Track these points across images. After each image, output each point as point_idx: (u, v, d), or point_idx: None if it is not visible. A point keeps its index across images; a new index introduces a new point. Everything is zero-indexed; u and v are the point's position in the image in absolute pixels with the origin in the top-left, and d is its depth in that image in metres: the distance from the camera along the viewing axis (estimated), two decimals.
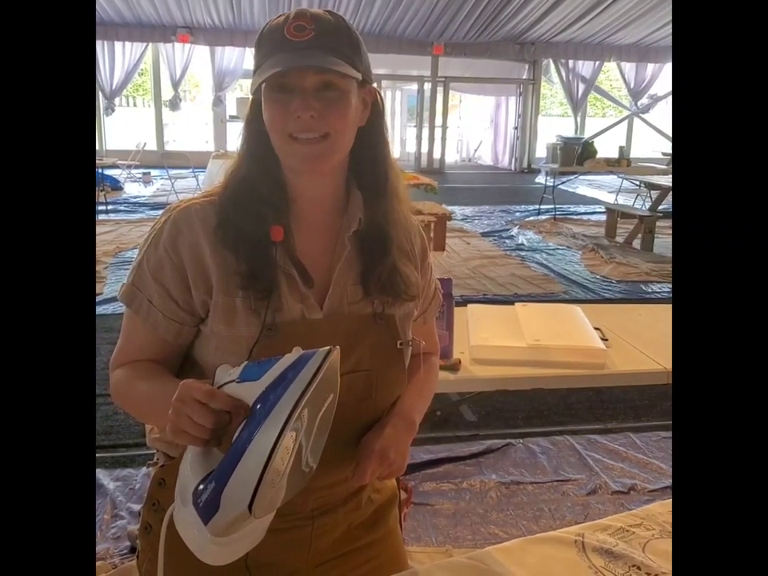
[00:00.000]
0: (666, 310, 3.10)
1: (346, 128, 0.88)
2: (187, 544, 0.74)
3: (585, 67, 12.96)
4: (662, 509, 1.12)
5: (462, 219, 8.24)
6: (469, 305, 2.27)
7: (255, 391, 0.73)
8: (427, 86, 13.26)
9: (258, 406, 0.71)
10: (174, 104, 12.10)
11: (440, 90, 13.20)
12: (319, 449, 0.78)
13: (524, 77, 13.28)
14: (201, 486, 0.73)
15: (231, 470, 0.70)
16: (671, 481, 2.53)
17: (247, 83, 14.96)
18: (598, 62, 12.90)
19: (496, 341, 1.93)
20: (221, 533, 0.72)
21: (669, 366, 1.88)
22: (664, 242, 6.83)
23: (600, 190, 11.26)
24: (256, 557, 0.84)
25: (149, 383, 0.89)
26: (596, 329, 2.04)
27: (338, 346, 0.74)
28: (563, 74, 12.93)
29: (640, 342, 2.05)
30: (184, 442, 0.75)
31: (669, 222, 7.25)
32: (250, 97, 0.93)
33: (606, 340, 2.00)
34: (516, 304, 2.28)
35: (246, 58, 11.76)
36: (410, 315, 0.98)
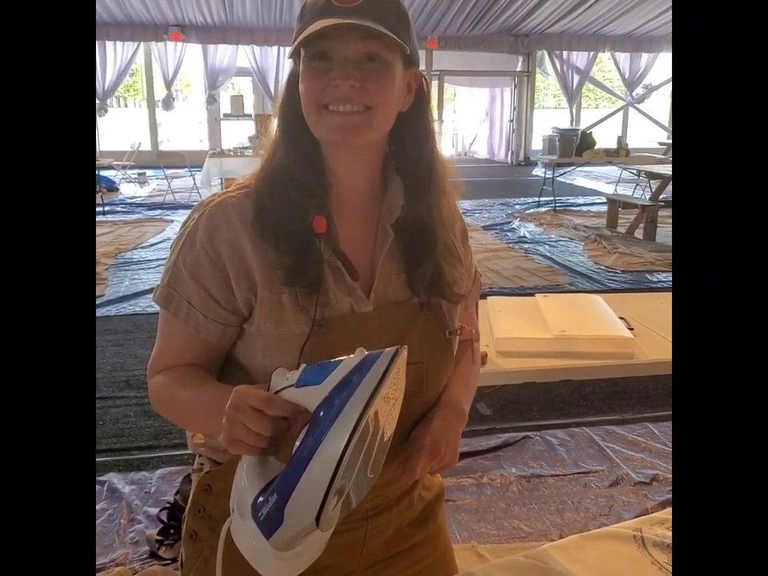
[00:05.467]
0: None
1: (388, 104, 0.83)
2: (247, 558, 0.70)
3: (579, 58, 12.92)
4: None
5: (463, 213, 8.10)
6: (489, 297, 2.23)
7: (317, 396, 0.68)
8: None
9: (322, 413, 0.66)
10: (168, 103, 12.01)
11: (435, 83, 13.14)
12: (383, 454, 0.74)
13: (518, 69, 13.24)
14: (261, 499, 0.69)
15: (296, 481, 0.65)
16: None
17: (240, 81, 14.88)
18: (592, 53, 12.87)
19: (521, 332, 1.89)
20: (284, 547, 0.68)
21: None
22: (666, 231, 6.80)
23: (598, 181, 11.24)
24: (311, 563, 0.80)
25: (194, 390, 0.84)
26: (620, 318, 2.01)
27: (405, 346, 0.69)
28: (558, 65, 12.89)
29: (665, 330, 2.01)
30: (240, 451, 0.71)
31: (668, 212, 7.23)
32: (284, 79, 0.88)
33: (632, 329, 1.97)
34: (537, 295, 2.24)
35: (238, 55, 11.68)
36: (457, 303, 0.95)
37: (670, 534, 0.99)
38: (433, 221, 0.91)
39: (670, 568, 0.92)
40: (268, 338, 0.84)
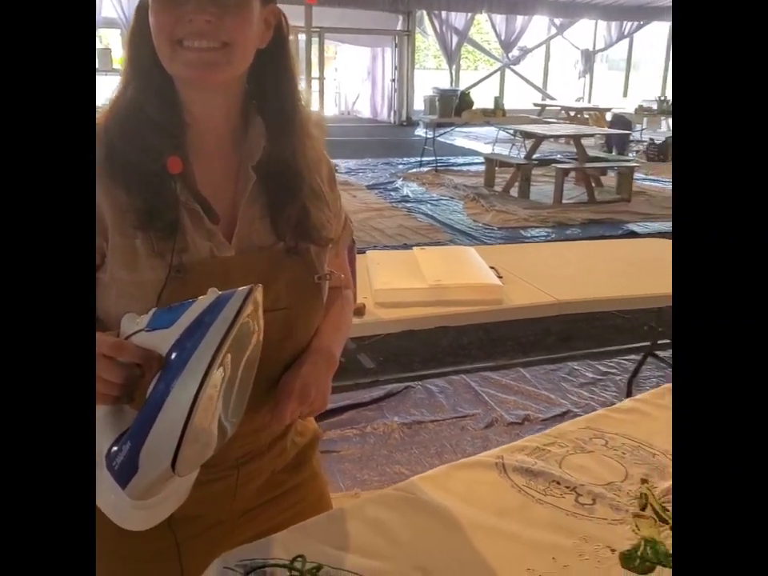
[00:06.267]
0: (552, 247, 3.26)
1: (247, 40, 0.80)
2: (105, 512, 0.68)
3: (458, 19, 13.08)
4: (573, 427, 1.17)
5: (347, 172, 8.18)
6: (368, 251, 2.26)
7: (168, 339, 0.66)
8: (301, 36, 12.90)
9: (174, 356, 0.65)
10: None
11: (315, 41, 12.88)
12: (244, 397, 0.74)
13: (398, 28, 13.22)
14: (114, 448, 0.67)
15: (149, 426, 0.64)
16: (561, 410, 2.70)
17: (106, 33, 13.93)
18: (470, 14, 13.05)
19: (398, 284, 1.93)
20: (141, 495, 0.67)
21: (558, 297, 1.97)
22: (539, 189, 7.12)
23: (477, 141, 11.52)
24: (179, 513, 0.79)
25: None
26: (491, 267, 2.10)
27: (260, 285, 0.69)
28: (437, 25, 12.99)
29: (531, 277, 2.13)
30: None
31: (543, 170, 7.56)
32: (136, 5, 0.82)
33: (501, 277, 2.06)
34: (414, 248, 2.30)
35: (104, 4, 10.90)
36: (325, 247, 0.95)
37: (528, 459, 1.07)
38: (297, 162, 0.89)
39: (528, 490, 0.99)
40: (121, 286, 0.80)
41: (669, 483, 1.00)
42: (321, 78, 13.35)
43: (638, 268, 2.31)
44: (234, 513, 0.95)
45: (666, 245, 2.75)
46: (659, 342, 2.82)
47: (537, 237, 5.58)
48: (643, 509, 0.95)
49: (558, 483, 1.00)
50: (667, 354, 3.06)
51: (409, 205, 6.62)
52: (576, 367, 3.15)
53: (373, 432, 2.56)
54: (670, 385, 1.33)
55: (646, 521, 0.92)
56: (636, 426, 1.15)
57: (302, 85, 0.92)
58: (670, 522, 0.92)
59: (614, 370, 3.10)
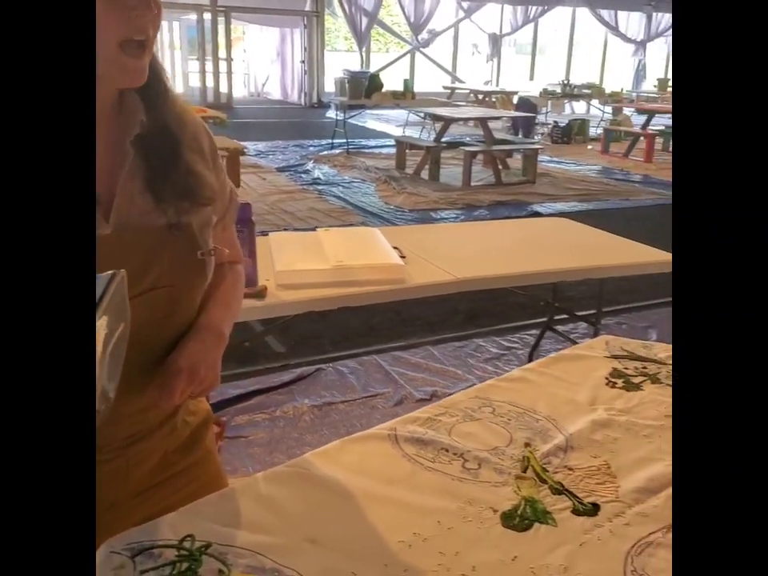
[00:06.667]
0: (455, 228, 3.33)
1: None
2: None
3: (367, 0, 13.04)
4: (464, 397, 1.21)
5: (256, 155, 8.06)
6: (271, 233, 2.25)
7: None
8: (207, 15, 12.53)
9: None
10: None
11: (221, 20, 12.56)
12: (114, 381, 0.73)
13: (307, 9, 13.05)
14: None
15: None
16: (467, 384, 2.78)
17: None
18: None
19: (301, 265, 1.93)
20: None
21: (458, 275, 2.03)
22: (449, 172, 7.25)
23: (388, 123, 11.58)
24: None
25: None
26: (395, 248, 2.13)
27: (123, 270, 0.68)
28: (346, 6, 12.91)
29: (433, 257, 2.17)
30: None
31: (453, 153, 7.69)
32: None
33: (404, 257, 2.10)
34: (318, 229, 2.30)
35: None
36: (208, 222, 0.93)
37: (419, 429, 1.10)
38: (176, 125, 0.88)
39: (418, 458, 1.03)
40: None
41: (549, 446, 1.06)
42: (228, 59, 13.04)
43: (535, 246, 2.41)
44: (126, 495, 0.94)
45: (564, 223, 2.87)
46: (555, 317, 2.95)
47: (446, 218, 5.69)
48: (525, 471, 1.00)
49: (447, 450, 1.04)
50: (564, 327, 3.21)
51: (320, 187, 6.59)
52: (481, 343, 3.25)
53: (283, 416, 2.56)
54: (555, 354, 1.41)
55: (526, 482, 0.97)
56: (522, 394, 1.21)
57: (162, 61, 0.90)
58: (550, 482, 0.97)
59: (516, 345, 3.22)
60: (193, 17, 13.14)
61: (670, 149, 9.33)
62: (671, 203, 0.60)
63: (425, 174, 7.12)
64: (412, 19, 13.72)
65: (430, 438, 1.07)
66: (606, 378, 1.27)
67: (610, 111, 11.45)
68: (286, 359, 3.03)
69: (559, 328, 3.19)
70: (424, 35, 14.11)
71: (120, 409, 0.77)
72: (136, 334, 0.78)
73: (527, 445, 1.06)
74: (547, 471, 1.00)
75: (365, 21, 13.16)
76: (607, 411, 1.15)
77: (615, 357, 1.36)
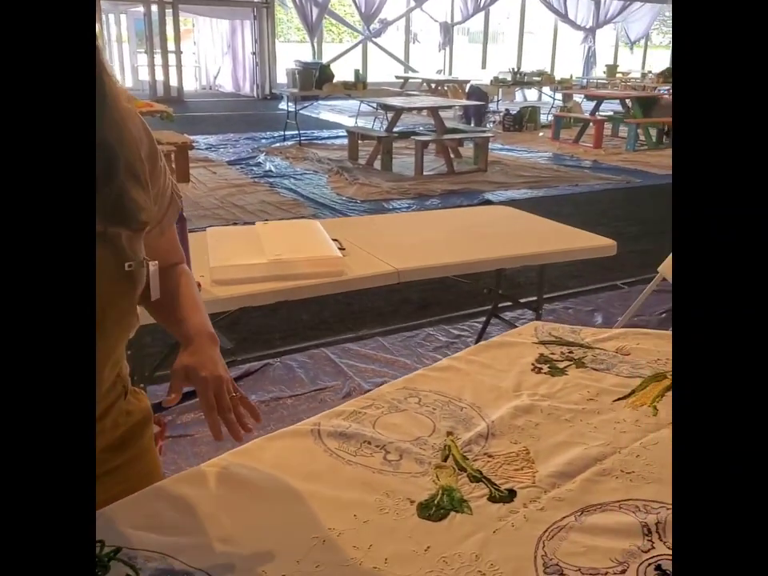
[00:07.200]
0: (399, 218, 3.33)
1: None
2: None
3: None
4: (391, 388, 1.21)
5: (207, 148, 7.94)
6: (208, 229, 2.21)
7: None
8: (155, 8, 12.27)
9: None
10: None
11: (169, 12, 12.30)
12: None
13: (257, 0, 12.88)
14: None
15: None
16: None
17: None
18: None
19: (236, 260, 1.91)
20: None
21: (397, 266, 2.03)
22: (401, 162, 7.25)
23: (341, 114, 11.52)
24: None
25: None
26: (334, 240, 2.11)
27: None
28: None
29: (374, 248, 2.17)
30: None
31: (404, 143, 7.69)
32: None
33: (344, 249, 2.09)
34: (257, 223, 2.27)
35: None
36: (140, 232, 0.90)
37: (344, 423, 1.09)
38: (110, 141, 0.84)
39: (339, 452, 1.02)
40: None
41: (471, 434, 1.06)
42: (177, 52, 12.80)
43: (478, 235, 2.42)
44: None
45: (508, 211, 2.89)
46: (500, 304, 2.98)
47: (398, 208, 5.69)
48: (445, 459, 1.00)
49: (369, 443, 1.04)
50: (512, 314, 3.25)
51: (272, 180, 6.53)
52: (431, 332, 3.26)
53: None
54: (484, 342, 1.41)
55: (445, 470, 0.98)
56: (448, 383, 1.21)
57: (108, 64, 0.87)
58: (468, 469, 0.98)
59: (465, 333, 3.24)
60: (140, 9, 12.85)
61: (619, 134, 9.50)
62: (671, 200, 0.59)
63: (377, 165, 7.11)
64: (363, 9, 13.65)
65: (353, 431, 1.07)
66: (532, 365, 1.28)
67: (561, 98, 11.59)
68: (233, 355, 2.99)
69: (507, 314, 3.23)
70: (375, 25, 14.06)
71: None
72: None
73: (449, 434, 1.06)
74: (467, 459, 1.00)
75: (315, 11, 13.05)
76: (530, 397, 1.16)
77: (543, 342, 1.37)
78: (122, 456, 1.00)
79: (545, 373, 1.25)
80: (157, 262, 0.94)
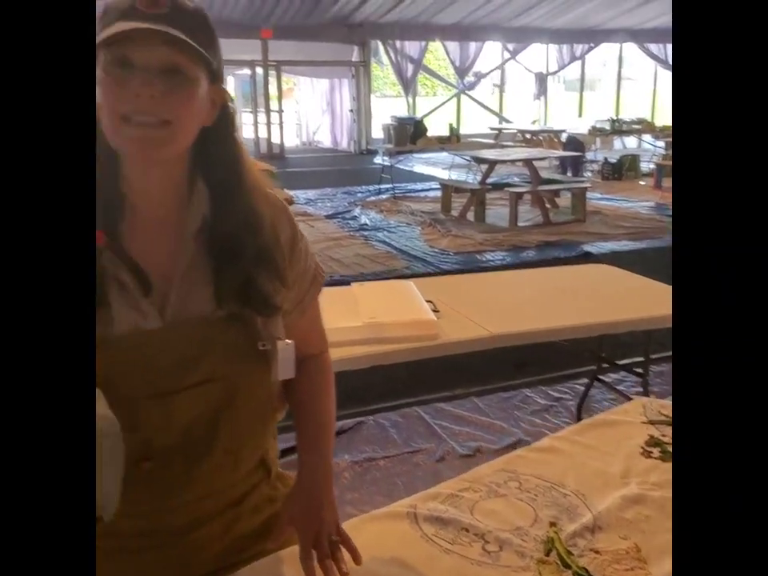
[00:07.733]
0: (494, 277, 3.28)
1: (190, 118, 0.82)
2: None
3: (412, 48, 13.29)
4: (489, 470, 1.17)
5: (306, 203, 8.20)
6: None
7: None
8: (259, 70, 12.99)
9: None
10: None
11: (273, 74, 12.98)
12: (114, 492, 0.73)
13: (354, 59, 13.38)
14: None
15: None
16: (513, 439, 2.70)
17: None
18: (423, 42, 13.28)
19: (332, 323, 1.92)
20: None
21: (493, 330, 1.98)
22: (496, 213, 7.21)
23: (435, 167, 11.63)
24: None
25: None
26: (428, 301, 2.10)
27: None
28: (392, 54, 13.18)
29: (469, 310, 2.14)
30: None
31: (498, 194, 7.66)
32: None
33: (438, 312, 2.07)
34: (352, 284, 2.30)
35: None
36: (272, 317, 0.92)
37: (440, 506, 1.06)
38: (241, 227, 0.88)
39: (436, 539, 0.98)
40: None
41: (576, 525, 1.00)
42: (280, 111, 13.43)
43: (576, 297, 2.34)
44: None
45: (606, 270, 2.79)
46: (603, 366, 2.85)
47: (492, 260, 5.63)
48: (548, 554, 0.95)
49: (467, 531, 1.00)
50: (616, 375, 3.10)
51: (366, 233, 6.64)
52: (529, 394, 3.16)
53: None
54: (588, 420, 1.35)
55: (548, 566, 0.92)
56: (550, 466, 1.16)
57: (247, 155, 0.92)
58: (574, 567, 0.92)
59: (565, 395, 3.12)
60: (246, 72, 13.64)
61: None
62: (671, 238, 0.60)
63: (470, 216, 7.10)
64: (457, 63, 13.88)
65: (450, 516, 1.03)
66: (642, 447, 1.20)
67: (663, 145, 11.25)
68: None
69: (610, 375, 3.08)
70: (470, 78, 14.25)
71: (178, 497, 0.82)
72: (192, 425, 0.79)
73: (552, 524, 1.01)
74: (572, 555, 0.94)
75: (410, 67, 13.39)
76: (640, 485, 1.09)
77: (652, 422, 1.29)
78: (262, 544, 0.98)
79: (655, 458, 1.17)
80: (291, 341, 0.94)
